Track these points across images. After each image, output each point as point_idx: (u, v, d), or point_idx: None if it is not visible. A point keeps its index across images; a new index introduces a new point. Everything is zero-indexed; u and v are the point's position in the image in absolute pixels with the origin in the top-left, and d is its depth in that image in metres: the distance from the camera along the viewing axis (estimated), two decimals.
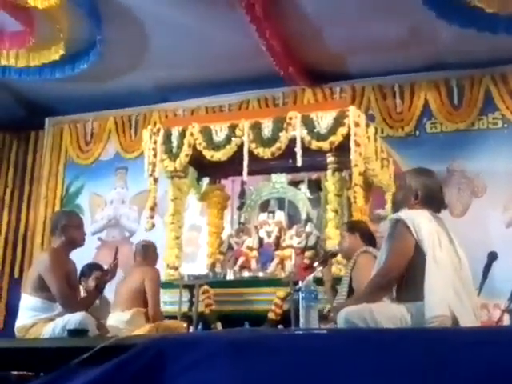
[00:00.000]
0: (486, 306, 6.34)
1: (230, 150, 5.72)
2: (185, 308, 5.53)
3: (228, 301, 5.54)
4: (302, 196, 6.24)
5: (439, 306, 3.04)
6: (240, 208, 6.47)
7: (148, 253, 5.54)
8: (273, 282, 5.46)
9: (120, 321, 5.02)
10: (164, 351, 2.29)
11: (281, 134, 5.59)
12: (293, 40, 7.07)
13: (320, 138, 5.47)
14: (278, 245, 5.91)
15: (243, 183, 6.52)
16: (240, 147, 5.68)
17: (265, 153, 5.63)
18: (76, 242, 4.55)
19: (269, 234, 5.96)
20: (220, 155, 5.75)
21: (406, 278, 3.24)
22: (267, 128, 5.66)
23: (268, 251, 5.89)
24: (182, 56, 7.50)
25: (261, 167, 6.00)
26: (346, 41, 7.07)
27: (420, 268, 3.14)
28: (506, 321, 4.53)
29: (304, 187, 6.34)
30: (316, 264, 4.65)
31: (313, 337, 2.49)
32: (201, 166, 6.29)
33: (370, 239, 4.70)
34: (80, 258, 4.76)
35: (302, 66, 7.57)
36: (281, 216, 6.08)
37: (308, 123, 5.53)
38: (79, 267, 4.76)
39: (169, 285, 5.59)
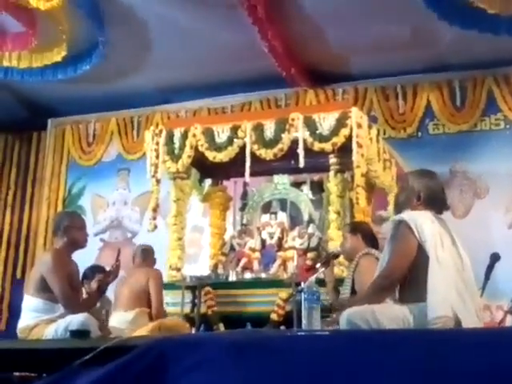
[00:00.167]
0: (488, 307, 6.34)
1: (232, 151, 5.72)
2: (187, 309, 5.53)
3: (230, 302, 5.54)
4: (304, 197, 6.23)
5: (442, 306, 3.04)
6: (242, 209, 6.47)
7: (147, 256, 5.64)
8: (275, 284, 5.45)
9: (123, 321, 5.03)
10: (166, 352, 2.29)
11: (283, 136, 5.59)
12: (295, 41, 7.07)
13: (322, 139, 5.47)
14: (280, 246, 5.90)
15: (245, 184, 6.51)
16: (242, 148, 5.68)
17: (267, 154, 5.63)
18: (78, 243, 4.55)
19: (271, 236, 5.95)
20: (222, 156, 5.76)
21: (409, 279, 3.24)
22: (269, 129, 5.66)
23: (270, 252, 5.88)
24: (184, 57, 7.51)
25: (263, 168, 6.00)
26: (348, 42, 7.07)
27: (423, 269, 3.14)
28: (508, 322, 4.53)
29: (306, 188, 6.33)
30: (318, 265, 4.65)
31: (315, 338, 2.49)
32: (203, 168, 6.29)
33: (371, 240, 4.70)
34: (82, 259, 4.76)
35: (304, 67, 7.57)
36: (283, 217, 6.08)
37: (310, 124, 5.53)
38: (82, 268, 4.77)
39: (171, 286, 5.59)
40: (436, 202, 3.44)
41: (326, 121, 5.50)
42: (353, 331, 2.94)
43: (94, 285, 5.34)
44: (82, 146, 9.09)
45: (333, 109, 5.69)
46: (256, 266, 5.85)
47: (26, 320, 4.30)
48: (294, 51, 7.21)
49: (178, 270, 5.82)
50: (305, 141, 5.50)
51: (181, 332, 4.86)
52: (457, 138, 7.42)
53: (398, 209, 3.51)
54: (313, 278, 3.98)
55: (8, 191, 9.29)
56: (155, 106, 8.67)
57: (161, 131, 6.02)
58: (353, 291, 4.43)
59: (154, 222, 5.93)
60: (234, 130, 5.75)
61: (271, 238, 5.95)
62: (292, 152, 5.53)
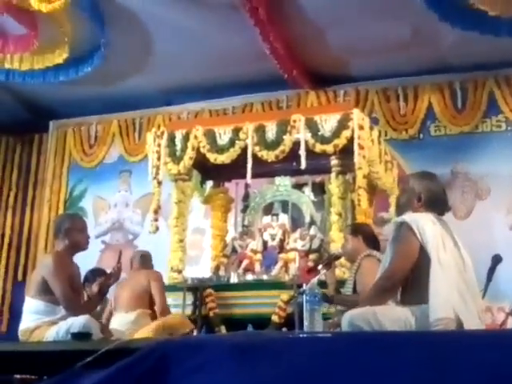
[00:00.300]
0: (490, 309, 6.33)
1: (234, 152, 5.73)
2: (188, 311, 5.53)
3: (232, 304, 5.54)
4: (305, 199, 6.23)
5: (444, 308, 3.03)
6: (244, 211, 6.47)
7: (145, 262, 5.67)
8: (277, 285, 5.46)
9: (125, 322, 5.04)
10: (168, 354, 2.29)
11: (285, 137, 5.59)
12: (296, 43, 7.08)
13: (324, 140, 5.48)
14: (281, 248, 5.90)
15: (247, 186, 6.51)
16: (244, 150, 5.68)
17: (269, 156, 5.63)
18: (80, 245, 4.55)
19: (273, 237, 5.95)
20: (224, 158, 5.76)
21: (411, 281, 3.23)
22: (271, 131, 5.67)
23: (272, 254, 5.88)
24: (185, 59, 7.51)
25: (264, 170, 6.00)
26: (349, 44, 7.07)
27: (424, 271, 3.14)
28: (510, 324, 4.53)
29: (308, 190, 6.33)
30: (320, 267, 4.65)
31: (317, 340, 2.49)
32: (205, 169, 6.29)
33: (373, 242, 4.70)
34: (84, 261, 4.75)
35: (306, 68, 7.57)
36: (285, 219, 6.08)
37: (312, 126, 5.54)
38: (83, 270, 4.76)
39: (173, 288, 5.59)
40: (437, 204, 3.44)
41: (327, 122, 5.50)
42: (355, 333, 2.94)
43: (95, 288, 5.34)
44: (83, 148, 9.09)
45: (334, 110, 5.69)
46: (257, 267, 5.85)
47: (27, 322, 4.29)
48: (296, 53, 7.21)
49: (180, 271, 5.82)
50: (306, 142, 5.50)
51: (184, 329, 4.92)
52: (458, 139, 7.42)
53: (400, 211, 3.51)
54: (315, 280, 3.98)
55: (9, 193, 9.29)
56: (157, 108, 8.67)
57: (162, 133, 6.02)
58: (354, 293, 4.42)
59: (156, 223, 5.94)
60: (236, 131, 5.76)
61: (273, 239, 5.95)
62: (294, 154, 5.53)
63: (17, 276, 8.89)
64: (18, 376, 4.11)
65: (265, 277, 5.71)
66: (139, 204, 8.57)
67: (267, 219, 6.12)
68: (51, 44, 6.72)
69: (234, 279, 5.75)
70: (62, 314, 4.23)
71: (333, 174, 5.57)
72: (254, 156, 5.62)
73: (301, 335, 2.84)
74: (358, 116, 5.48)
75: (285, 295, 5.26)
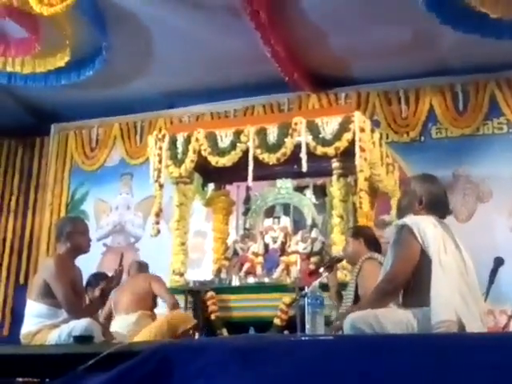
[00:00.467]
0: (492, 311, 6.32)
1: (235, 155, 5.73)
2: (190, 314, 5.52)
3: (233, 307, 5.53)
4: (307, 201, 6.23)
5: (445, 310, 3.03)
6: (245, 214, 6.47)
7: (142, 269, 5.82)
8: (278, 288, 5.45)
9: (126, 323, 5.05)
10: (170, 358, 2.28)
11: (286, 140, 5.59)
12: (297, 46, 7.08)
13: (325, 143, 5.47)
14: (283, 250, 5.90)
15: (248, 189, 6.51)
16: (245, 153, 5.68)
17: (270, 158, 5.63)
18: (81, 248, 4.55)
19: (274, 240, 5.95)
20: (225, 161, 5.76)
21: (412, 284, 3.24)
22: (272, 134, 5.66)
23: (273, 257, 5.88)
24: (186, 62, 7.52)
25: (266, 173, 5.99)
26: (350, 46, 7.07)
27: (426, 273, 3.14)
28: None
29: (309, 193, 6.33)
30: (321, 270, 4.65)
31: (319, 343, 2.48)
32: (206, 172, 6.29)
33: (374, 244, 4.70)
34: (85, 264, 4.76)
35: (307, 71, 7.57)
36: (286, 222, 6.07)
37: (313, 129, 5.53)
38: (84, 273, 4.77)
39: (174, 291, 5.59)
40: (438, 207, 3.44)
41: (328, 125, 5.50)
42: (357, 336, 2.94)
43: (97, 292, 5.35)
44: (85, 151, 9.10)
45: (335, 113, 5.69)
46: (259, 270, 5.85)
47: (29, 325, 4.30)
48: (297, 56, 7.21)
49: (181, 274, 5.81)
50: (308, 145, 5.50)
51: (186, 325, 4.97)
52: (459, 142, 7.41)
53: (401, 213, 3.51)
54: (316, 283, 3.98)
55: (11, 197, 9.30)
56: (158, 111, 8.67)
57: (164, 136, 6.02)
58: (356, 295, 4.42)
59: (157, 226, 5.93)
60: (237, 134, 5.76)
61: (274, 242, 5.94)
62: (295, 156, 5.53)
63: (19, 280, 8.90)
64: (20, 379, 4.11)
65: (266, 280, 5.70)
66: (141, 207, 8.57)
67: (269, 222, 6.12)
68: (53, 47, 6.73)
69: (235, 282, 5.74)
70: (64, 317, 4.23)
71: (334, 177, 5.57)
72: (256, 159, 5.62)
73: (303, 338, 2.84)
74: (359, 118, 5.47)
75: (286, 298, 5.25)
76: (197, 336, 5.32)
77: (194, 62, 7.48)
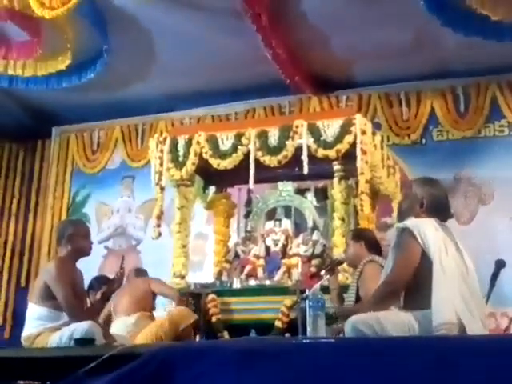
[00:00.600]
0: (493, 314, 6.31)
1: (237, 158, 5.73)
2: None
3: (235, 309, 5.53)
4: (308, 204, 6.23)
5: (446, 313, 3.03)
6: (246, 216, 6.46)
7: (141, 274, 5.81)
8: (279, 291, 5.45)
9: (126, 324, 5.05)
10: (171, 360, 2.28)
11: (287, 143, 5.59)
12: (299, 48, 7.09)
13: (326, 146, 5.47)
14: (284, 253, 5.89)
15: (250, 191, 6.51)
16: (246, 155, 5.68)
17: (271, 161, 5.63)
18: (83, 251, 4.56)
19: (275, 243, 5.95)
20: (226, 164, 5.76)
21: (413, 286, 3.23)
22: (273, 136, 5.66)
23: (275, 259, 5.87)
24: (187, 65, 7.52)
25: (267, 175, 5.99)
26: (351, 49, 7.08)
27: (427, 276, 3.14)
28: None
29: (310, 195, 6.33)
30: (323, 272, 4.64)
31: (320, 345, 2.48)
32: (207, 175, 6.29)
33: (375, 247, 4.70)
34: (86, 266, 4.77)
35: (308, 74, 7.58)
36: (287, 224, 6.07)
37: (314, 131, 5.53)
38: (86, 276, 4.77)
39: None
40: (439, 210, 3.44)
41: (330, 128, 5.50)
42: (358, 339, 2.94)
43: (98, 296, 5.35)
44: (86, 154, 9.11)
45: (337, 116, 5.69)
46: (260, 273, 5.84)
47: (30, 328, 4.30)
48: (298, 58, 7.22)
49: (183, 277, 5.81)
50: (309, 148, 5.49)
51: (188, 321, 5.01)
52: (461, 144, 7.41)
53: (402, 216, 3.51)
54: (317, 285, 3.98)
55: (12, 200, 9.31)
56: (159, 114, 8.68)
57: (165, 139, 6.02)
58: (357, 298, 4.42)
59: (159, 229, 5.93)
60: (238, 137, 5.75)
61: (275, 245, 5.94)
62: (296, 159, 5.53)
63: (20, 282, 8.90)
64: (21, 382, 4.11)
65: (267, 282, 5.70)
66: (142, 209, 8.57)
67: (270, 224, 6.12)
68: (54, 50, 6.74)
69: (236, 284, 5.74)
70: (65, 320, 4.23)
71: (335, 179, 5.57)
72: (257, 161, 5.62)
73: (304, 341, 2.83)
74: (360, 121, 5.47)
75: (288, 300, 5.25)
76: (198, 338, 5.32)
77: (195, 64, 7.49)
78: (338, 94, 7.96)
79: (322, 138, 5.49)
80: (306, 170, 5.43)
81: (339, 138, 5.44)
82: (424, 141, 7.61)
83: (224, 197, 6.55)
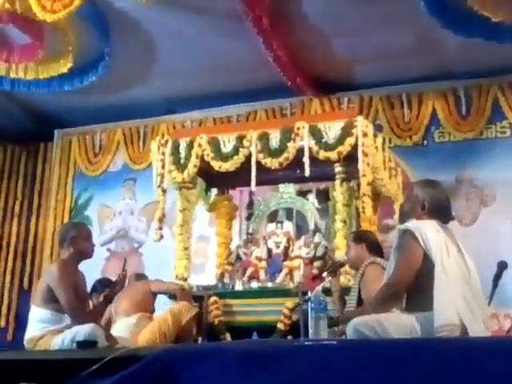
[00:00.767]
0: (496, 315, 6.31)
1: (238, 160, 5.72)
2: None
3: (237, 312, 5.53)
4: (310, 206, 6.22)
5: (448, 314, 3.04)
6: (248, 218, 6.46)
7: (140, 278, 5.86)
8: (281, 293, 5.44)
9: (128, 325, 5.05)
10: (174, 363, 2.29)
11: (288, 145, 5.59)
12: (300, 51, 7.09)
13: (328, 148, 5.47)
14: (286, 255, 5.89)
15: (251, 194, 6.50)
16: (248, 158, 5.68)
17: (273, 163, 5.62)
18: (85, 253, 4.57)
19: (277, 245, 5.94)
20: (228, 166, 5.76)
21: (415, 288, 3.24)
22: (275, 138, 5.66)
23: (276, 262, 5.87)
24: (189, 68, 7.53)
25: (269, 177, 5.99)
26: (353, 51, 7.08)
27: (429, 278, 3.14)
28: None
29: (312, 197, 6.32)
30: (325, 274, 4.64)
31: (322, 347, 2.48)
32: (209, 177, 6.29)
33: (376, 249, 4.69)
34: (89, 269, 4.77)
35: (310, 76, 7.58)
36: (289, 226, 6.06)
37: (316, 133, 5.53)
38: (88, 278, 4.77)
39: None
40: (441, 212, 3.45)
41: (331, 130, 5.49)
42: (360, 341, 2.94)
43: (101, 299, 5.36)
44: (88, 157, 9.11)
45: (338, 118, 5.68)
46: (262, 275, 5.84)
47: (32, 331, 4.30)
48: (299, 61, 7.22)
49: (185, 279, 5.81)
50: (310, 150, 5.49)
51: (190, 314, 5.06)
52: (463, 146, 7.41)
53: (403, 218, 3.52)
54: (319, 287, 3.98)
55: (15, 202, 9.32)
56: (161, 117, 8.69)
57: (167, 141, 6.02)
58: (359, 300, 4.42)
59: (160, 231, 5.93)
60: (240, 139, 5.75)
61: (277, 247, 5.94)
62: (298, 161, 5.52)
63: (22, 285, 8.91)
64: None
65: (269, 284, 5.69)
66: (144, 212, 8.58)
67: (272, 227, 6.11)
68: (56, 53, 6.75)
69: (238, 287, 5.74)
70: (68, 322, 4.24)
71: (337, 181, 5.56)
72: (258, 163, 5.62)
73: (306, 343, 2.84)
74: (361, 123, 5.47)
75: (290, 303, 5.24)
76: (200, 340, 5.33)
77: (197, 67, 7.50)
78: (339, 95, 7.95)
79: (323, 140, 5.49)
80: (307, 172, 5.42)
81: (341, 140, 5.44)
82: (426, 142, 7.61)
83: (226, 199, 6.55)
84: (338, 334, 4.08)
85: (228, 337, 5.39)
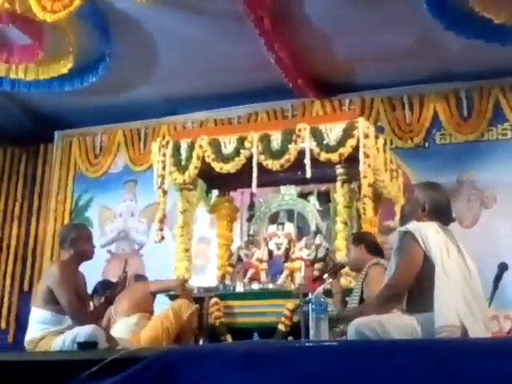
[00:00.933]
0: (496, 317, 6.31)
1: (239, 162, 5.72)
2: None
3: (238, 313, 5.52)
4: (311, 208, 6.22)
5: (448, 315, 3.04)
6: (249, 220, 6.46)
7: (140, 279, 5.86)
8: (282, 294, 5.44)
9: (128, 324, 5.06)
10: (174, 363, 2.28)
11: (290, 146, 5.59)
12: (301, 52, 7.09)
13: (329, 149, 5.47)
14: (287, 257, 5.89)
15: (252, 195, 6.51)
16: (249, 159, 5.68)
17: (274, 165, 5.62)
18: (85, 255, 4.57)
19: (278, 246, 5.94)
20: (229, 167, 5.75)
21: (416, 289, 3.24)
22: (276, 140, 5.66)
23: (277, 263, 5.87)
24: (190, 69, 7.53)
25: (270, 179, 5.99)
26: (354, 52, 7.08)
27: (429, 279, 3.15)
28: None
29: (313, 199, 6.32)
30: (326, 276, 4.64)
31: (323, 349, 2.48)
32: (210, 179, 6.29)
33: (375, 250, 4.70)
34: (89, 270, 4.76)
35: (311, 78, 7.58)
36: (290, 228, 6.06)
37: (317, 135, 5.53)
38: (89, 280, 4.77)
39: (178, 297, 5.58)
40: (441, 214, 3.46)
41: (332, 131, 5.49)
42: (361, 341, 2.93)
43: (102, 299, 5.36)
44: (88, 158, 9.11)
45: (339, 119, 5.68)
46: (263, 276, 5.84)
47: (33, 332, 4.30)
48: (301, 62, 7.22)
49: (186, 281, 5.81)
50: (311, 151, 5.49)
51: (190, 310, 5.08)
52: (464, 147, 7.41)
53: (404, 220, 3.53)
54: (320, 289, 3.98)
55: (15, 204, 9.31)
56: (162, 118, 8.69)
57: (167, 142, 6.02)
58: (361, 301, 4.41)
59: (161, 233, 5.93)
60: (241, 140, 5.75)
61: (278, 248, 5.94)
62: (299, 163, 5.52)
63: (23, 286, 8.90)
64: None
65: (270, 286, 5.69)
66: (145, 213, 8.58)
67: (273, 228, 6.11)
68: (56, 54, 6.74)
69: (239, 288, 5.73)
70: (68, 323, 4.24)
71: (338, 183, 5.56)
72: (259, 165, 5.62)
73: (307, 344, 2.83)
74: (363, 125, 5.47)
75: (290, 304, 5.24)
76: (201, 341, 5.32)
77: (198, 68, 7.49)
78: (340, 97, 7.95)
79: (324, 142, 5.49)
80: (308, 174, 5.42)
81: (342, 142, 5.44)
82: (427, 144, 7.61)
83: (227, 200, 6.55)
84: (339, 335, 4.08)
85: (229, 338, 5.39)
